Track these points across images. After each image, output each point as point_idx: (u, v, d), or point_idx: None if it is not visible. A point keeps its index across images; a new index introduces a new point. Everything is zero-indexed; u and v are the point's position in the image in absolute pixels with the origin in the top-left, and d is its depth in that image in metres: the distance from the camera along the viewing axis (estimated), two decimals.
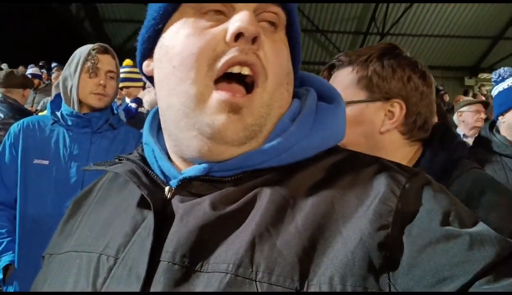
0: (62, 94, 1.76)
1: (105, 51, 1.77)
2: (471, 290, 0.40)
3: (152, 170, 0.59)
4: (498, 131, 2.00)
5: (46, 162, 1.67)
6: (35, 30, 10.41)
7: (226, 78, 0.53)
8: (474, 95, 8.37)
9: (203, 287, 0.44)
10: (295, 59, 0.62)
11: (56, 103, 1.81)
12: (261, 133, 0.55)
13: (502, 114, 1.97)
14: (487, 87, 9.64)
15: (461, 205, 0.50)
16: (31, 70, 6.39)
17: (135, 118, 3.20)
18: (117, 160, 0.64)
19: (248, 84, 0.54)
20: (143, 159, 0.63)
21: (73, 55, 1.77)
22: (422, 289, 0.42)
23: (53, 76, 6.76)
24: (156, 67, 0.58)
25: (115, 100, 1.89)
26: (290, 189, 0.51)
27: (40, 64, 7.92)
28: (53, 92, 3.22)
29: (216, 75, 0.52)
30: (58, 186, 1.63)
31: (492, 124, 2.06)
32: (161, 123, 0.61)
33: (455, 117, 3.98)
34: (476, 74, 12.91)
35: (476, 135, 2.21)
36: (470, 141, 3.55)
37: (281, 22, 0.58)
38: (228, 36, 0.51)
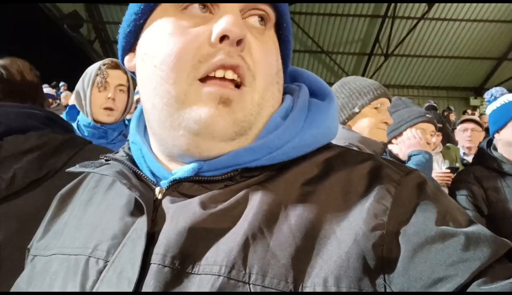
0: (77, 106, 1.82)
1: (115, 66, 1.83)
2: (469, 290, 0.40)
3: (141, 170, 0.58)
4: (495, 148, 2.04)
5: None
6: (46, 51, 10.66)
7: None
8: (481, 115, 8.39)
9: (195, 290, 0.43)
10: (285, 56, 0.61)
11: (70, 115, 1.87)
12: (251, 131, 0.53)
13: (498, 131, 2.02)
14: None
15: (455, 204, 0.50)
16: (45, 90, 6.48)
17: None
18: (103, 160, 0.62)
19: (236, 84, 0.52)
20: (131, 158, 0.61)
21: (86, 70, 1.84)
22: (418, 289, 0.42)
23: (62, 95, 6.87)
24: (138, 65, 0.56)
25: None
26: (283, 187, 0.50)
27: (52, 84, 8.07)
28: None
29: (200, 76, 0.50)
30: None
31: (490, 142, 2.09)
32: (146, 122, 0.59)
33: None
34: (481, 94, 12.89)
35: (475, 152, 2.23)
36: (470, 159, 3.56)
37: (270, 20, 0.57)
38: (213, 38, 0.49)
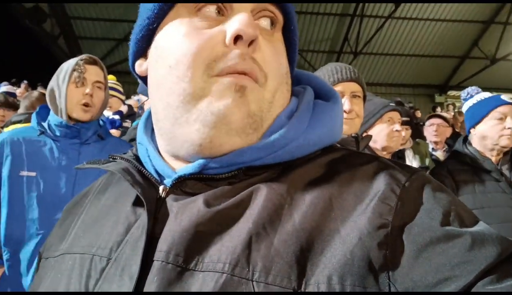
0: (49, 105, 1.72)
1: (93, 62, 1.76)
2: (473, 290, 0.40)
3: (146, 169, 0.58)
4: (470, 144, 2.16)
5: (34, 174, 1.60)
6: (6, 47, 10.19)
7: None
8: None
9: (199, 287, 0.43)
10: (291, 58, 0.62)
11: (41, 114, 1.76)
12: (262, 127, 0.53)
13: (474, 127, 2.14)
14: (458, 104, 10.06)
15: (461, 204, 0.49)
16: (4, 88, 6.16)
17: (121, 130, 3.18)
18: (111, 159, 0.63)
19: None
20: (137, 158, 0.62)
21: (61, 66, 1.74)
22: (422, 289, 0.41)
23: (17, 91, 6.53)
24: (152, 67, 0.57)
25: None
26: (287, 186, 0.50)
27: (12, 81, 7.70)
28: (22, 105, 3.15)
29: (215, 75, 0.51)
30: (47, 197, 1.57)
31: (465, 139, 2.22)
32: (154, 123, 0.60)
33: None
34: (445, 92, 13.44)
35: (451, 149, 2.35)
36: (439, 154, 3.73)
37: (279, 23, 0.57)
38: (228, 39, 0.50)
